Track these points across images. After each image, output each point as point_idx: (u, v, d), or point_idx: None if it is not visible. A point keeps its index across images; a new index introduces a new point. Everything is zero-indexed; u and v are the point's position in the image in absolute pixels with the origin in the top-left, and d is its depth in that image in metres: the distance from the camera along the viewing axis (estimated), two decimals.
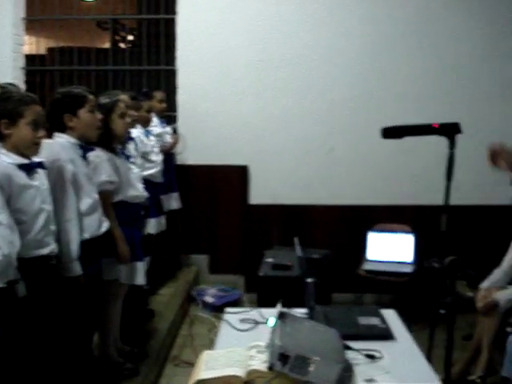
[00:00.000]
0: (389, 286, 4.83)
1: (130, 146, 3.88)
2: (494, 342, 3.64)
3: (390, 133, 2.02)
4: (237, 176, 5.42)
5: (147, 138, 4.62)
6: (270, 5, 5.34)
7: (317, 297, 3.81)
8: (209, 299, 5.11)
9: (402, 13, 5.28)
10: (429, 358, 2.09)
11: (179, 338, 4.53)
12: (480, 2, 5.30)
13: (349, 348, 1.93)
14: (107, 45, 8.61)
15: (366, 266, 4.83)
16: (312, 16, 5.32)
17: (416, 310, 4.44)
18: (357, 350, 1.93)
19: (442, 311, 2.05)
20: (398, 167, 5.30)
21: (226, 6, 5.35)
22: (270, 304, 2.22)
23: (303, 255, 2.68)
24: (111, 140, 3.26)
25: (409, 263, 4.82)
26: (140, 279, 3.38)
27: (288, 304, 2.26)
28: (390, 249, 4.90)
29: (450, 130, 1.96)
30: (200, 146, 5.39)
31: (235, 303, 5.07)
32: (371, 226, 5.05)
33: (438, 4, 5.27)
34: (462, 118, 5.14)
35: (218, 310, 4.73)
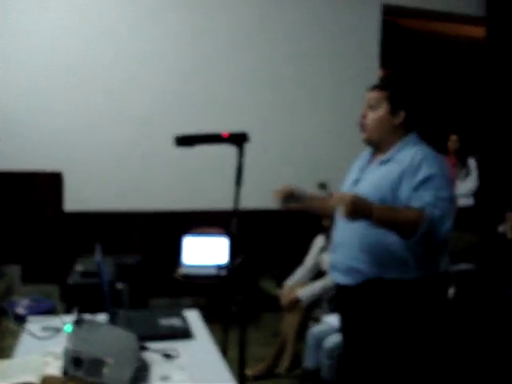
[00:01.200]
0: (206, 289, 4.99)
1: None
2: (298, 336, 3.92)
3: (182, 141, 2.12)
4: (50, 182, 5.26)
5: None
6: (90, 2, 5.24)
7: (131, 301, 3.84)
8: (20, 311, 4.90)
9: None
10: (224, 354, 2.21)
11: None
12: (274, 5, 5.63)
13: (145, 348, 2.00)
14: None
15: (182, 270, 4.94)
16: (134, 17, 5.32)
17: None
18: (153, 350, 2.01)
19: (234, 309, 2.18)
20: (211, 172, 5.46)
21: (43, 1, 5.15)
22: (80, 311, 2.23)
23: (114, 261, 2.72)
24: None
25: (223, 266, 5.00)
26: None
27: (95, 310, 2.29)
28: (206, 252, 5.05)
29: (238, 139, 2.10)
30: (9, 151, 5.14)
31: (50, 313, 4.92)
32: (187, 231, 5.17)
33: (229, 11, 5.53)
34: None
35: None
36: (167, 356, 2.00)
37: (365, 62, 5.85)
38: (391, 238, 2.27)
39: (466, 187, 5.93)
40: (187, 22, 5.40)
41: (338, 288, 2.53)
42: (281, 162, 5.36)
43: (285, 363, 3.96)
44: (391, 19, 8.21)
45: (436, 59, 8.51)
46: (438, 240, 2.18)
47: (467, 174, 6.02)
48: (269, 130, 5.55)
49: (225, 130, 2.14)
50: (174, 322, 2.31)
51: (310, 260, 4.18)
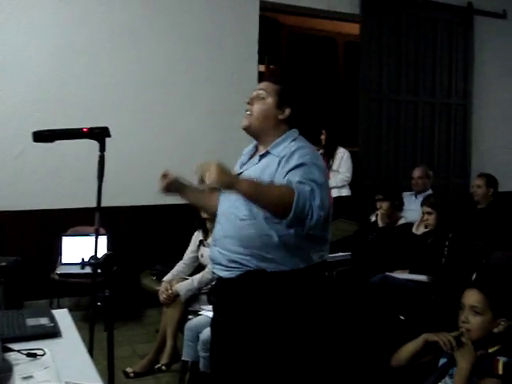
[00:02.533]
0: (86, 288, 4.89)
1: None
2: (177, 330, 3.94)
3: (40, 137, 2.08)
4: None
5: None
6: None
7: (6, 303, 3.71)
8: None
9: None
10: (91, 352, 2.20)
11: None
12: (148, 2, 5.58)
13: (9, 350, 1.96)
14: None
15: (60, 270, 4.82)
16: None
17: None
18: (17, 351, 1.97)
19: (99, 304, 2.18)
20: (89, 169, 5.32)
21: None
22: None
23: None
24: None
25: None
26: None
27: None
28: (85, 251, 4.94)
29: (99, 134, 2.09)
30: None
31: None
32: (66, 230, 5.06)
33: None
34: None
35: None
36: (32, 355, 1.97)
37: (244, 59, 5.93)
38: (270, 230, 2.31)
39: (338, 178, 6.11)
40: (59, 14, 5.23)
41: (219, 281, 2.53)
42: (160, 160, 5.31)
43: (165, 358, 3.97)
44: (271, 16, 8.40)
45: (315, 56, 8.77)
46: (311, 219, 2.16)
47: (338, 166, 6.19)
48: (146, 128, 5.51)
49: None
50: (42, 321, 2.27)
51: (188, 254, 4.22)
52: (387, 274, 4.06)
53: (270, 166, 2.37)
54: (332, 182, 6.08)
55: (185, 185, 2.59)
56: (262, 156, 2.46)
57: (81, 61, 5.30)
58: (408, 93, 6.91)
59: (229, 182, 2.08)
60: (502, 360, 2.21)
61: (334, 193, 6.06)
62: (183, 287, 3.91)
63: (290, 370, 2.39)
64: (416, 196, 5.78)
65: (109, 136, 2.11)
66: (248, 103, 2.48)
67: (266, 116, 2.45)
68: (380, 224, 4.63)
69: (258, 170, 2.40)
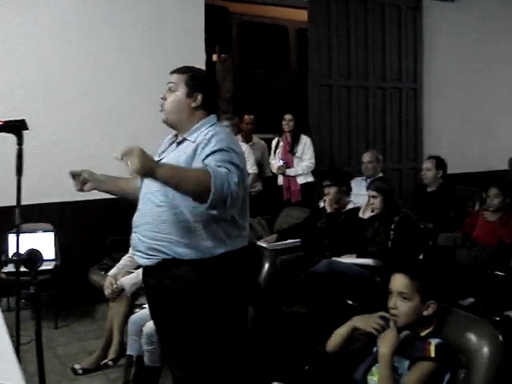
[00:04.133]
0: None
1: None
2: (124, 324, 3.89)
3: None
4: None
5: None
6: None
7: None
8: None
9: None
10: (17, 352, 2.14)
11: None
12: None
13: None
14: None
15: (6, 269, 4.71)
16: None
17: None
18: None
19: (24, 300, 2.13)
20: (32, 165, 5.21)
21: None
22: None
23: None
24: None
25: (50, 260, 4.84)
26: None
27: None
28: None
29: (16, 127, 2.03)
30: None
31: None
32: (11, 228, 4.94)
33: None
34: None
35: None
36: None
37: (189, 48, 5.84)
38: (187, 216, 2.34)
39: (304, 165, 6.11)
40: None
41: (143, 269, 2.58)
42: (102, 156, 5.16)
43: (112, 353, 3.92)
44: (221, 4, 8.34)
45: (266, 44, 8.74)
46: (231, 199, 2.16)
47: (302, 153, 6.18)
48: (88, 122, 5.38)
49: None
50: None
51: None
52: (333, 259, 4.06)
53: (186, 152, 2.39)
54: (298, 169, 6.09)
55: (99, 179, 2.64)
56: (179, 143, 2.50)
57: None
58: (358, 78, 6.92)
59: (149, 167, 2.06)
60: (433, 342, 2.20)
61: (301, 180, 6.10)
62: (128, 281, 3.85)
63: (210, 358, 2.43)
64: (366, 180, 5.79)
65: (26, 129, 2.05)
66: (162, 98, 2.53)
67: (179, 107, 2.49)
68: (328, 209, 4.62)
69: (174, 156, 2.43)
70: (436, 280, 2.34)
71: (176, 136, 2.57)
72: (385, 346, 2.21)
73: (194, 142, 2.39)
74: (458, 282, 4.70)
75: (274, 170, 6.34)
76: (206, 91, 2.52)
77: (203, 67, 5.92)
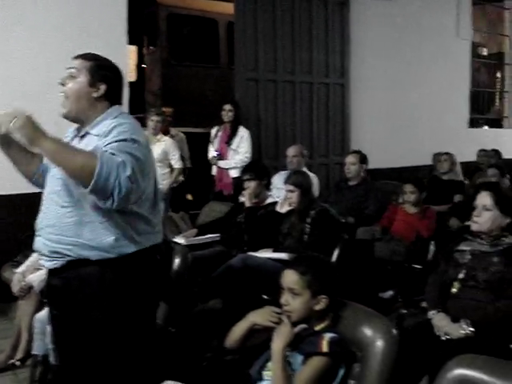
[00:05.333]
0: None
1: None
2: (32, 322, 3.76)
3: None
4: None
5: None
6: None
7: None
8: None
9: None
10: None
11: None
12: None
13: None
14: None
15: None
16: None
17: None
18: None
19: None
20: None
21: None
22: None
23: None
24: None
25: None
26: None
27: None
28: None
29: None
30: None
31: None
32: None
33: None
34: None
35: None
36: None
37: (111, 41, 5.69)
38: (93, 216, 2.23)
39: (238, 158, 6.04)
40: None
41: (48, 271, 2.43)
42: None
43: (20, 353, 3.80)
44: None
45: (196, 37, 8.65)
46: (120, 192, 2.07)
47: (238, 146, 6.12)
48: None
49: None
50: None
51: None
52: (248, 253, 4.03)
53: (89, 145, 2.26)
54: (231, 161, 6.02)
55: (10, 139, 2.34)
56: (82, 137, 2.37)
57: None
58: (285, 72, 6.93)
59: (34, 134, 2.00)
60: (327, 337, 2.19)
61: (234, 173, 6.01)
62: (36, 278, 3.72)
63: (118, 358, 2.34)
64: None
65: None
66: (61, 84, 2.36)
67: (79, 95, 2.33)
68: (247, 204, 4.60)
69: None
70: (327, 274, 2.33)
71: (78, 130, 2.43)
72: (277, 340, 2.19)
73: (96, 136, 2.27)
74: (377, 275, 4.77)
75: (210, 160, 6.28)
76: (111, 82, 2.38)
77: (126, 59, 5.81)
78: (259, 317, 2.37)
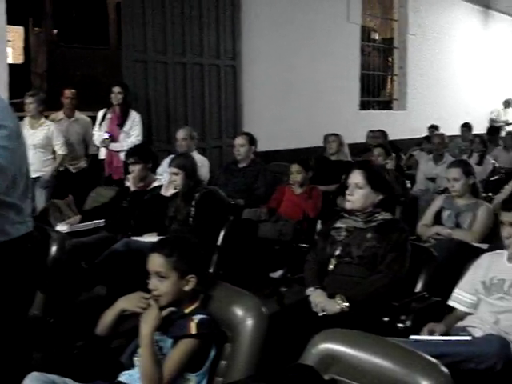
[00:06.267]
0: None
1: None
2: None
3: None
4: None
5: None
6: None
7: None
8: None
9: None
10: None
11: None
12: None
13: None
14: None
15: None
16: None
17: None
18: None
19: None
20: None
21: None
22: None
23: None
24: None
25: None
26: None
27: None
28: None
29: None
30: None
31: None
32: None
33: None
34: None
35: None
36: None
37: None
38: None
39: (128, 141, 5.87)
40: None
41: None
42: None
43: None
44: None
45: (84, 18, 8.38)
46: None
47: (130, 128, 5.96)
48: None
49: None
50: None
51: None
52: (132, 238, 3.96)
53: None
54: (123, 144, 5.83)
55: None
56: None
57: None
58: (175, 54, 6.79)
59: None
60: (196, 319, 2.17)
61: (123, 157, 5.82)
62: None
63: None
64: None
65: None
66: None
67: None
68: (132, 188, 4.50)
69: None
70: (192, 254, 2.30)
71: None
72: (145, 325, 2.15)
73: None
74: (266, 255, 4.81)
75: (97, 143, 6.07)
76: None
77: (3, 39, 5.52)
78: (128, 302, 2.31)
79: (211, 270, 4.01)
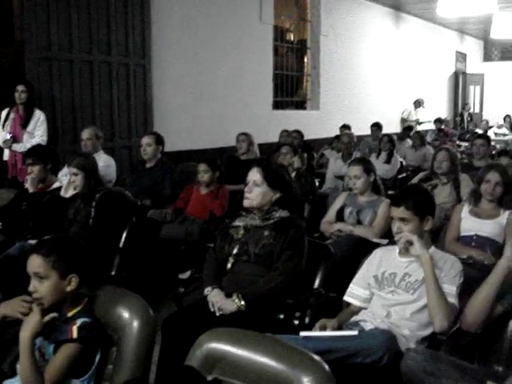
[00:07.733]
0: None
1: None
2: None
3: None
4: None
5: None
6: None
7: None
8: None
9: None
10: None
11: None
12: None
13: None
14: None
15: None
16: None
17: None
18: None
19: None
20: None
21: None
22: None
23: None
24: None
25: None
26: None
27: None
28: None
29: None
30: None
31: None
32: None
33: None
34: None
35: None
36: None
37: None
38: None
39: (32, 142, 5.63)
40: None
41: None
42: None
43: None
44: None
45: None
46: None
47: (34, 128, 5.75)
48: None
49: None
50: None
51: None
52: (27, 242, 3.81)
53: None
54: (26, 144, 5.59)
55: None
56: None
57: None
58: (81, 51, 6.59)
59: None
60: (78, 323, 2.10)
61: None
62: None
63: None
64: None
65: None
66: None
67: None
68: (31, 189, 4.35)
69: None
70: (72, 253, 2.23)
71: None
72: (25, 331, 2.07)
73: None
74: (173, 256, 4.75)
75: (1, 144, 5.84)
76: None
77: None
78: (9, 308, 2.21)
79: (113, 273, 3.93)
